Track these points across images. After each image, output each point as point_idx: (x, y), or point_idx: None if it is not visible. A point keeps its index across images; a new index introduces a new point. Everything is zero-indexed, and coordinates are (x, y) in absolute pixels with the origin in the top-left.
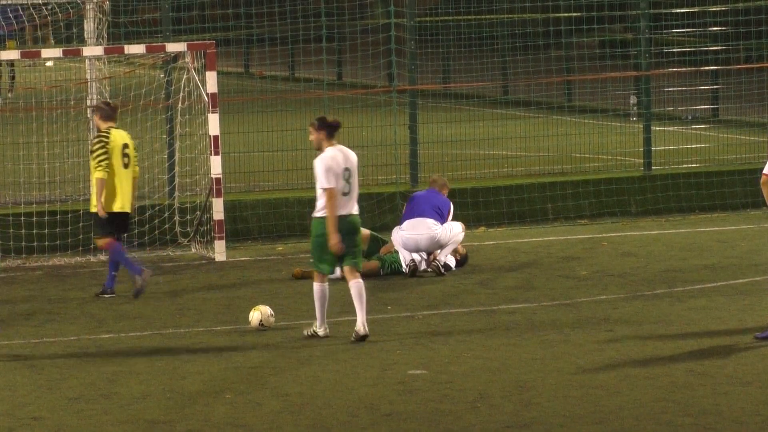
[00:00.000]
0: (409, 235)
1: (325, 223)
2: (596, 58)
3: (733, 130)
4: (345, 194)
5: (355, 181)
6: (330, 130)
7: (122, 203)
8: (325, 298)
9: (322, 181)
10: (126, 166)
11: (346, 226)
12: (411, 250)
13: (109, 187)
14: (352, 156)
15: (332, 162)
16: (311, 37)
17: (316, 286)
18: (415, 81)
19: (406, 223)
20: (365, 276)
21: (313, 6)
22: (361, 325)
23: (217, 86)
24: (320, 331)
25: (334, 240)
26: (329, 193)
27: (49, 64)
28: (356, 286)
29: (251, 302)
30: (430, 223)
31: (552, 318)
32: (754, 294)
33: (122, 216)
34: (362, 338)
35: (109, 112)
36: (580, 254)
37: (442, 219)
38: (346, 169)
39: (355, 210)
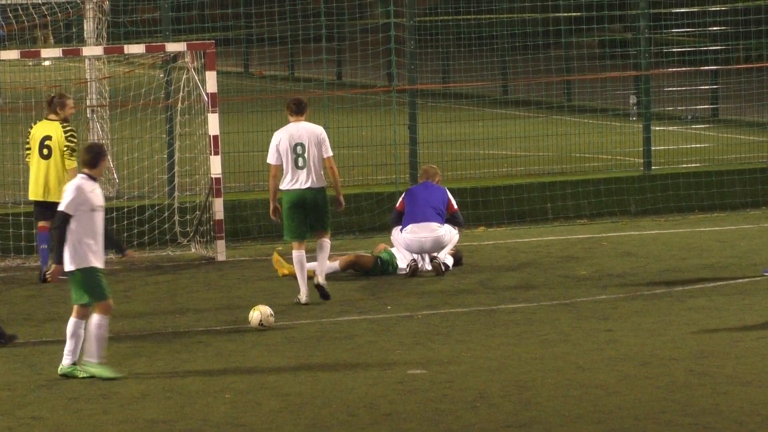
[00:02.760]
0: (414, 238)
1: (287, 196)
2: (596, 57)
3: (733, 130)
4: (300, 168)
5: (312, 155)
6: (291, 108)
7: (37, 192)
8: (302, 265)
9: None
10: (45, 157)
11: (304, 199)
12: (415, 252)
13: (29, 176)
14: (311, 131)
15: (280, 137)
16: (311, 36)
17: (293, 253)
18: (415, 81)
19: (410, 227)
20: (358, 267)
21: (312, 6)
22: (318, 276)
23: (217, 86)
24: (302, 298)
25: (270, 208)
26: (270, 168)
27: (47, 63)
28: (321, 242)
29: (251, 302)
30: (434, 225)
31: (551, 318)
32: (753, 294)
33: (41, 204)
34: (319, 289)
35: (48, 105)
36: (580, 254)
37: (443, 218)
38: (299, 144)
39: (315, 184)
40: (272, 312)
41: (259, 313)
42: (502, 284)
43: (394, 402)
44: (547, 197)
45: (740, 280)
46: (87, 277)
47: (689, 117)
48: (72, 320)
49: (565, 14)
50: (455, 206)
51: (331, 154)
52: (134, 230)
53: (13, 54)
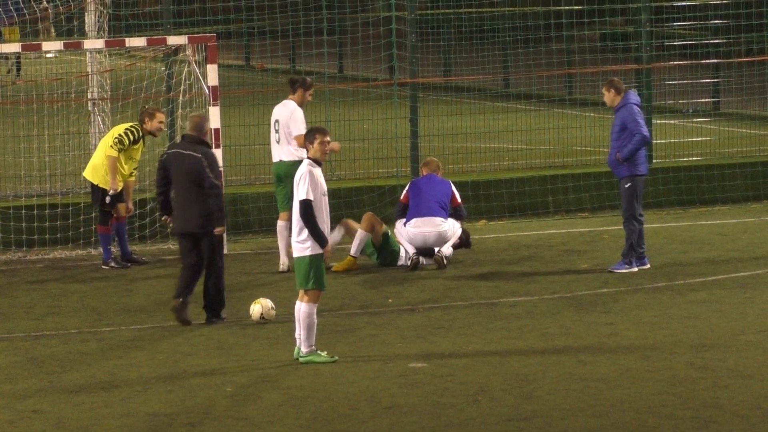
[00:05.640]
0: (418, 232)
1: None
2: (597, 51)
3: (734, 123)
4: (277, 142)
5: (283, 132)
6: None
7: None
8: (282, 235)
9: None
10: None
11: (278, 172)
12: (418, 246)
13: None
14: (283, 109)
15: (272, 113)
16: (312, 30)
17: (278, 222)
18: (416, 74)
19: (414, 221)
20: (374, 233)
21: None
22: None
23: (218, 79)
24: (280, 266)
25: None
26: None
27: (50, 55)
28: (280, 224)
29: (252, 295)
30: (438, 220)
31: (553, 311)
32: (755, 287)
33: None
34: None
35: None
36: (581, 247)
37: (446, 212)
38: (276, 121)
39: (285, 158)
40: (273, 305)
41: (260, 306)
42: (503, 278)
43: (395, 395)
44: (548, 190)
45: (741, 274)
46: (315, 263)
47: (690, 110)
48: (301, 304)
49: (567, 7)
50: (459, 199)
51: (296, 133)
52: (135, 223)
53: (14, 47)
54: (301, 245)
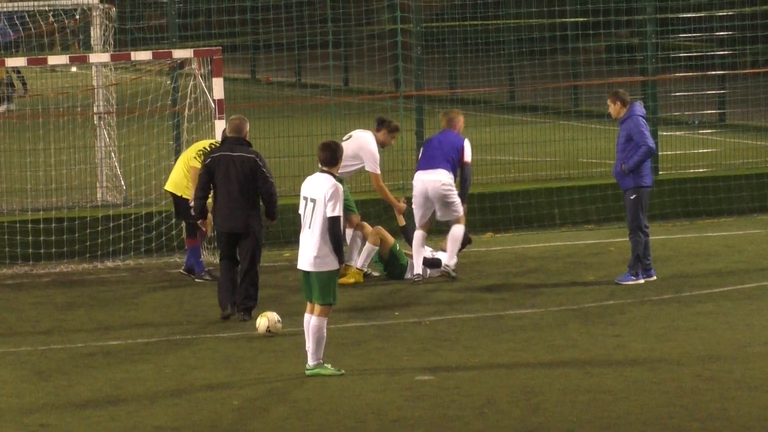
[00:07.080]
0: (419, 184)
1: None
2: (603, 63)
3: (740, 135)
4: None
5: (350, 147)
6: None
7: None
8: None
9: None
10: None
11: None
12: (419, 201)
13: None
14: (364, 135)
15: None
16: (318, 43)
17: None
18: (422, 86)
19: (418, 173)
20: (382, 244)
21: (319, 12)
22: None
23: (224, 92)
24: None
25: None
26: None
27: (74, 69)
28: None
29: (258, 308)
30: (441, 172)
31: (559, 323)
32: (761, 298)
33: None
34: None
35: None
36: (587, 259)
37: (452, 166)
38: (350, 136)
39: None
40: (279, 318)
41: (266, 319)
42: (510, 290)
43: (402, 408)
44: (554, 203)
45: (748, 285)
46: (334, 279)
47: (696, 122)
48: (311, 317)
49: (572, 20)
50: (468, 158)
51: (368, 169)
52: (141, 237)
53: (20, 61)
54: (322, 260)
